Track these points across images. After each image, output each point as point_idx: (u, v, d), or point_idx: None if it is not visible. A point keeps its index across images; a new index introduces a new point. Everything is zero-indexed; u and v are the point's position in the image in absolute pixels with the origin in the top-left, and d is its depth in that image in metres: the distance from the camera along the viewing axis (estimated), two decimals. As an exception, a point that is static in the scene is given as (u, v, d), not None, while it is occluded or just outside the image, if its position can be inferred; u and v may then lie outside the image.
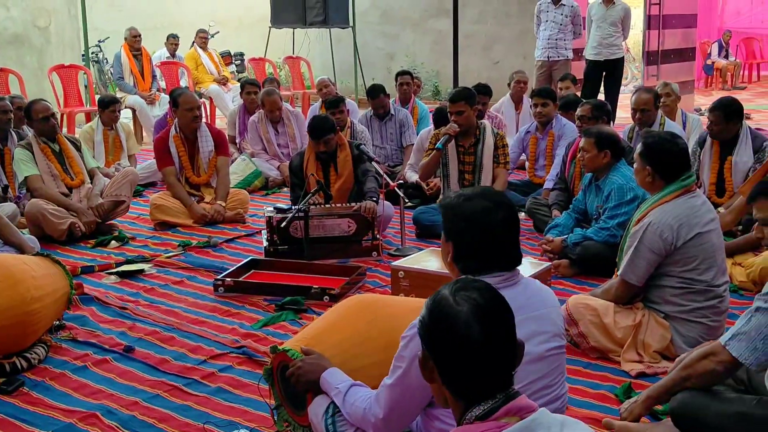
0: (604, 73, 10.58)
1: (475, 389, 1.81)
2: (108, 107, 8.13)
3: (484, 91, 7.88)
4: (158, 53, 12.69)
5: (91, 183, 6.60)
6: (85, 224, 6.22)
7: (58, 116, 7.17)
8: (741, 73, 17.75)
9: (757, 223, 3.28)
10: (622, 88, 16.18)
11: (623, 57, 10.83)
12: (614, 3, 10.39)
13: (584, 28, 10.76)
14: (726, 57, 17.20)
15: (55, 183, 6.34)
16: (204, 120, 7.11)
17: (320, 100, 9.16)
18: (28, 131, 7.62)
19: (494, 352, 1.81)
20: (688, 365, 3.00)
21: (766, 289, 2.79)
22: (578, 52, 11.08)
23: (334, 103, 7.60)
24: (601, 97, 10.43)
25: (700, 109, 12.50)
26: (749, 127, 6.11)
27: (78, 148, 6.62)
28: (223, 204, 6.78)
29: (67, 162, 6.48)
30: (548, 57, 10.48)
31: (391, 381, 2.50)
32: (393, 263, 4.96)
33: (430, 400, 2.51)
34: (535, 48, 10.77)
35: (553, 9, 10.41)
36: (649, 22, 11.79)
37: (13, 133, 6.88)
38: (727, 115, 5.94)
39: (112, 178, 6.82)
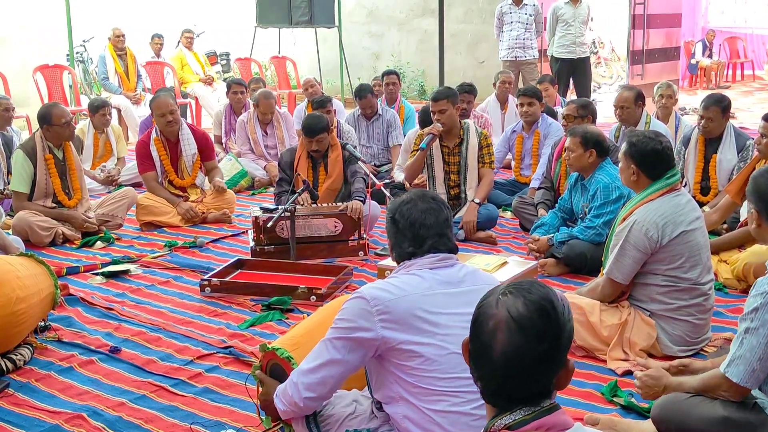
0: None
1: (495, 397, 1.76)
2: (97, 111, 8.10)
3: (468, 90, 7.88)
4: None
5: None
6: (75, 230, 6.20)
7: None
8: (725, 72, 17.81)
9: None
10: (608, 87, 16.28)
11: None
12: (581, 1, 10.53)
13: (544, 28, 10.88)
14: (710, 56, 17.27)
15: (43, 201, 6.21)
16: (186, 122, 7.05)
17: (306, 99, 9.14)
18: (14, 132, 7.58)
19: (517, 368, 1.71)
20: (702, 391, 2.95)
21: (747, 307, 2.76)
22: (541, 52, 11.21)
23: (322, 103, 7.60)
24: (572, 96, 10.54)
25: (685, 108, 12.55)
26: (733, 126, 6.16)
27: (79, 152, 6.44)
28: (221, 180, 6.92)
29: (68, 175, 6.34)
30: (516, 57, 10.63)
31: (326, 338, 2.67)
32: (379, 263, 4.98)
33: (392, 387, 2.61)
34: (499, 49, 10.87)
35: (516, 10, 10.57)
36: (634, 21, 11.85)
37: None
38: (723, 110, 6.00)
39: (110, 195, 6.76)
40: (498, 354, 1.71)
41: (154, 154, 6.75)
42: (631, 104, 6.68)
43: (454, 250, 2.80)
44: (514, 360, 1.70)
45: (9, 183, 6.65)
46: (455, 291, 2.67)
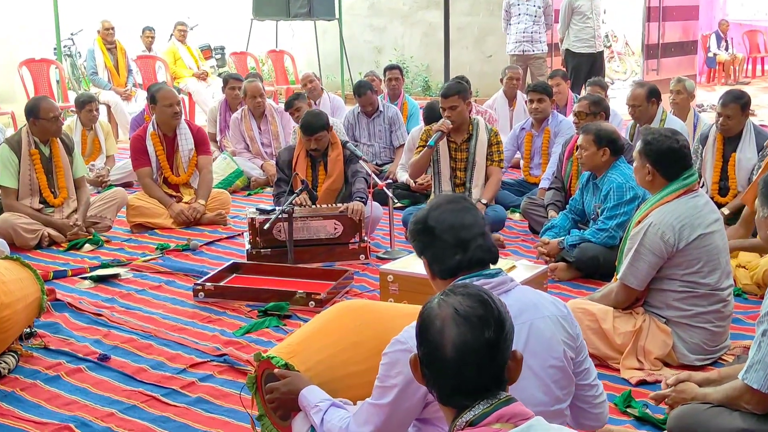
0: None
1: (454, 395, 1.86)
2: (84, 107, 8.00)
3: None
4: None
5: (78, 193, 6.35)
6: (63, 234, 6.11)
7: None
8: (744, 67, 17.54)
9: None
10: (621, 83, 16.09)
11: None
12: None
13: (555, 21, 10.73)
14: (726, 48, 16.98)
15: (30, 200, 6.12)
16: (184, 117, 6.95)
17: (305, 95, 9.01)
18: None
19: (469, 359, 1.84)
20: (725, 403, 2.89)
21: (764, 309, 2.73)
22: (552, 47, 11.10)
23: (289, 104, 7.70)
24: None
25: (703, 105, 12.36)
26: (753, 124, 6.07)
27: (70, 152, 6.37)
28: (203, 203, 6.67)
29: (54, 172, 6.25)
30: (523, 51, 10.55)
31: (372, 401, 2.49)
32: (382, 267, 4.92)
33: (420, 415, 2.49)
34: (507, 42, 10.77)
35: (524, 1, 10.50)
36: (649, 13, 11.65)
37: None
38: (743, 107, 5.91)
39: (99, 195, 6.68)
40: (449, 350, 1.84)
41: (150, 149, 6.66)
42: (643, 102, 6.60)
43: (496, 257, 2.58)
44: (464, 351, 1.83)
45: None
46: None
